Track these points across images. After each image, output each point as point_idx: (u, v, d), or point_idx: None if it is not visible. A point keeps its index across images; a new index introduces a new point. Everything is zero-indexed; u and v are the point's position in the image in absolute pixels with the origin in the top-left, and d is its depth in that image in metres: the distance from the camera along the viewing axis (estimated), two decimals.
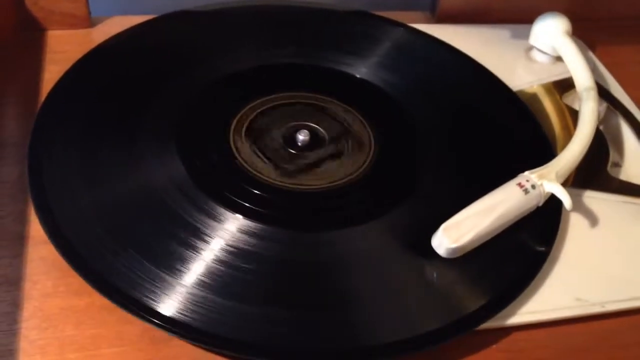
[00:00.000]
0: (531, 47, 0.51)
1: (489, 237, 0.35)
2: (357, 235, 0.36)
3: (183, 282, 0.32)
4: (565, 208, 0.37)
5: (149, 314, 0.30)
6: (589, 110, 0.42)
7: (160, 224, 0.34)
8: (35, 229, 0.35)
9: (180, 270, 0.32)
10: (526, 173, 0.37)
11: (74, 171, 0.36)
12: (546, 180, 0.36)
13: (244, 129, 0.41)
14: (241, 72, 0.45)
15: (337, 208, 0.38)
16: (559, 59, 0.49)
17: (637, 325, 0.36)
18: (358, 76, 0.46)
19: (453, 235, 0.34)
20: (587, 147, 0.40)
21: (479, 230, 0.34)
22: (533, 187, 0.36)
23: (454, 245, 0.34)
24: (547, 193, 0.36)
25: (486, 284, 0.35)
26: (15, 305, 0.32)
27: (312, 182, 0.38)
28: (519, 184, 0.36)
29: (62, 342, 0.31)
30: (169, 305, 0.31)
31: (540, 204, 0.36)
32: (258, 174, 0.38)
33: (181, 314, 0.31)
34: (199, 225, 0.34)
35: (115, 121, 0.40)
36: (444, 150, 0.42)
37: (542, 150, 0.42)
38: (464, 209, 0.35)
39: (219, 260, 0.33)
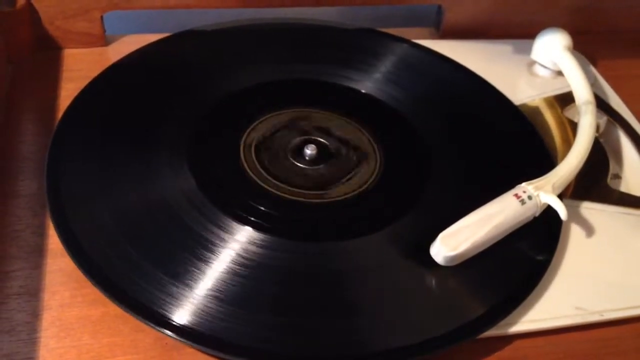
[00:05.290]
0: (533, 62, 0.52)
1: (486, 246, 0.36)
2: (363, 245, 0.37)
3: (195, 292, 0.33)
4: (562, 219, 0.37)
5: (161, 323, 0.32)
6: (586, 124, 0.43)
7: (173, 235, 0.36)
8: (54, 241, 0.36)
9: (192, 280, 0.33)
10: (523, 184, 0.38)
11: (90, 185, 0.38)
12: (542, 192, 0.37)
13: (253, 144, 0.42)
14: (250, 89, 0.46)
15: (344, 220, 0.39)
16: (560, 73, 0.50)
17: (635, 334, 0.36)
18: (363, 91, 0.47)
19: (450, 243, 0.35)
20: (584, 159, 0.41)
21: (476, 239, 0.35)
22: (529, 197, 0.37)
23: (451, 254, 0.35)
24: (544, 204, 0.37)
25: (488, 292, 0.35)
26: (34, 315, 0.33)
27: (320, 195, 0.39)
28: (516, 195, 0.37)
29: (79, 350, 0.32)
30: (181, 314, 0.32)
31: (537, 215, 0.37)
32: (267, 187, 0.39)
33: (193, 322, 0.32)
34: (210, 237, 0.36)
35: (130, 136, 0.41)
36: (447, 162, 0.43)
37: (543, 163, 0.43)
38: (462, 219, 0.36)
39: (229, 271, 0.34)
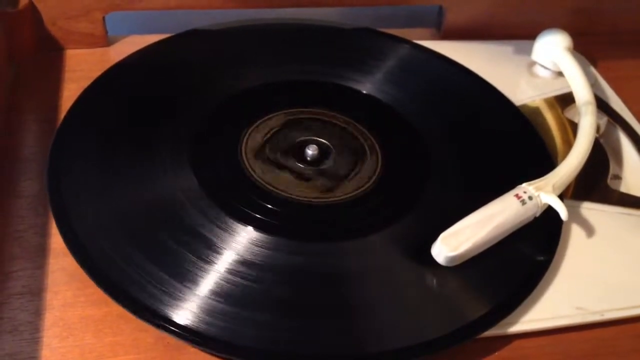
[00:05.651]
0: (534, 63, 0.52)
1: (487, 246, 0.36)
2: (365, 245, 0.37)
3: (196, 292, 0.33)
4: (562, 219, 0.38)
5: (163, 323, 0.32)
6: (587, 125, 0.43)
7: (175, 235, 0.36)
8: (56, 241, 0.36)
9: (193, 280, 0.34)
10: (524, 185, 0.38)
11: (92, 185, 0.38)
12: (543, 192, 0.37)
13: (254, 144, 0.42)
14: (251, 89, 0.46)
15: (345, 220, 0.39)
16: (560, 73, 0.50)
17: (635, 334, 0.36)
18: (364, 91, 0.47)
19: (451, 243, 0.35)
20: (584, 160, 0.41)
21: (477, 239, 0.35)
22: (530, 198, 0.37)
23: (452, 254, 0.35)
24: (544, 204, 0.37)
25: (489, 292, 0.35)
26: (37, 315, 0.33)
27: (321, 195, 0.40)
28: (517, 195, 0.37)
29: (82, 349, 0.32)
30: (182, 313, 0.32)
31: (538, 215, 0.37)
32: (268, 187, 0.39)
33: (194, 322, 0.32)
34: (211, 237, 0.36)
35: (132, 136, 0.41)
36: (448, 162, 0.43)
37: (543, 163, 0.43)
38: (463, 219, 0.36)
39: (230, 271, 0.34)
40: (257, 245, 0.36)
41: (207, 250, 0.35)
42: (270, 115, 0.44)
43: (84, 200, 0.37)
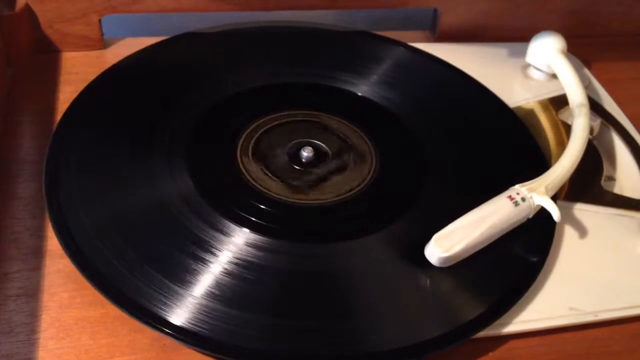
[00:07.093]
0: (528, 65, 0.52)
1: (479, 247, 0.36)
2: (360, 247, 0.37)
3: (192, 293, 0.33)
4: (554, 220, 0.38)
5: (159, 324, 0.32)
6: (580, 126, 0.43)
7: (171, 237, 0.36)
8: (52, 243, 0.37)
9: (189, 282, 0.34)
10: (517, 186, 0.38)
11: (88, 187, 0.38)
12: (536, 193, 0.37)
13: (250, 146, 0.42)
14: (247, 91, 0.46)
15: (341, 221, 0.39)
16: (554, 76, 0.50)
17: (629, 334, 0.37)
18: (359, 94, 0.48)
19: (444, 245, 0.35)
20: (577, 162, 0.41)
21: (470, 240, 0.35)
22: (523, 199, 0.37)
23: (444, 255, 0.35)
24: (537, 206, 0.37)
25: (483, 293, 0.36)
26: (33, 316, 0.33)
27: (316, 196, 0.40)
28: (509, 197, 0.37)
29: (78, 351, 0.32)
30: (179, 315, 0.32)
31: (531, 216, 0.38)
32: (264, 189, 0.39)
33: (190, 323, 0.32)
34: (207, 239, 0.36)
35: (128, 139, 0.41)
36: (442, 164, 0.43)
37: (537, 165, 0.43)
38: (456, 220, 0.36)
39: (227, 272, 0.34)
40: (252, 247, 0.36)
41: (203, 251, 0.35)
42: (266, 118, 0.44)
43: (80, 201, 0.37)
